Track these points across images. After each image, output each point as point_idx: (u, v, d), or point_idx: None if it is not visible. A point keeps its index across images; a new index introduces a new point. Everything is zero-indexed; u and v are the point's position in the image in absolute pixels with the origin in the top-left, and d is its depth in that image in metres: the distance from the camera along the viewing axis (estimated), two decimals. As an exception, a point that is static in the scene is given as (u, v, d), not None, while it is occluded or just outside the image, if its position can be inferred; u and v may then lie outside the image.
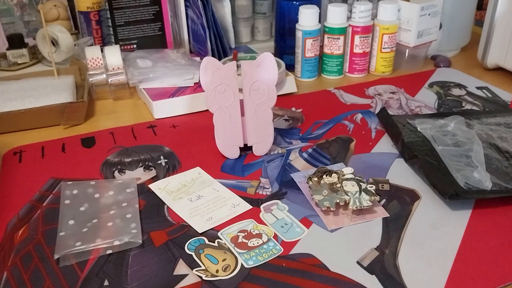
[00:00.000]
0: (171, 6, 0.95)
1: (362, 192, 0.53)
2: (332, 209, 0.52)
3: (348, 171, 0.57)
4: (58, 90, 0.76)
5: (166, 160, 0.64)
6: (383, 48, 0.88)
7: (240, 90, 0.61)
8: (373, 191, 0.54)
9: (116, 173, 0.61)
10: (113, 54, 0.79)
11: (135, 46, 0.97)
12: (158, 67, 0.83)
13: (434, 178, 0.56)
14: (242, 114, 0.62)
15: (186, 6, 0.90)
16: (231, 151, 0.64)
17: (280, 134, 0.70)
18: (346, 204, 0.53)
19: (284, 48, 0.92)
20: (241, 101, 0.62)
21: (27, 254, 0.48)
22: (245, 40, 1.03)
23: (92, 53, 0.79)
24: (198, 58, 0.88)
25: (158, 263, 0.46)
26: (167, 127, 0.73)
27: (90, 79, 0.79)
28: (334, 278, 0.44)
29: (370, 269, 0.45)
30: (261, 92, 0.61)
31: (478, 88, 0.84)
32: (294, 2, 0.86)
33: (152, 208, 0.55)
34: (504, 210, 0.53)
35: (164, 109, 0.75)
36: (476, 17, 1.06)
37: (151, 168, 0.62)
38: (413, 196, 0.56)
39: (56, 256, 0.47)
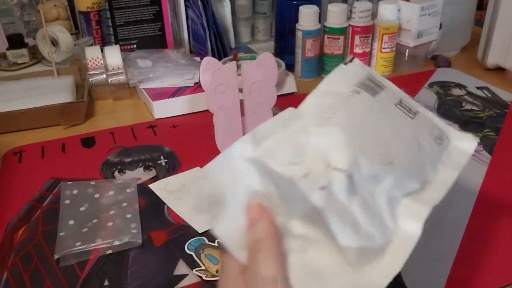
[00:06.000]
0: (171, 6, 0.95)
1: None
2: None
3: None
4: (58, 90, 0.76)
5: (166, 160, 0.64)
6: (383, 48, 0.88)
7: (240, 90, 0.61)
8: (373, 191, 0.54)
9: (116, 173, 0.61)
10: (113, 54, 0.79)
11: (135, 46, 0.97)
12: (158, 67, 0.83)
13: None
14: (242, 114, 0.62)
15: (186, 6, 0.90)
16: (231, 151, 0.64)
17: (280, 134, 0.70)
18: (346, 204, 0.53)
19: (284, 48, 0.92)
20: (241, 101, 0.62)
21: (27, 254, 0.48)
22: (245, 40, 1.03)
23: (92, 53, 0.79)
24: (198, 58, 0.88)
25: (158, 263, 0.46)
26: (167, 127, 0.73)
27: (90, 79, 0.79)
28: (334, 278, 0.44)
29: (370, 269, 0.45)
30: (261, 92, 0.61)
31: (478, 88, 0.84)
32: (294, 2, 0.86)
33: (152, 208, 0.55)
34: (504, 210, 0.53)
35: (164, 109, 0.75)
36: (476, 17, 1.06)
37: (151, 168, 0.62)
38: (413, 196, 0.55)
39: (56, 256, 0.47)
